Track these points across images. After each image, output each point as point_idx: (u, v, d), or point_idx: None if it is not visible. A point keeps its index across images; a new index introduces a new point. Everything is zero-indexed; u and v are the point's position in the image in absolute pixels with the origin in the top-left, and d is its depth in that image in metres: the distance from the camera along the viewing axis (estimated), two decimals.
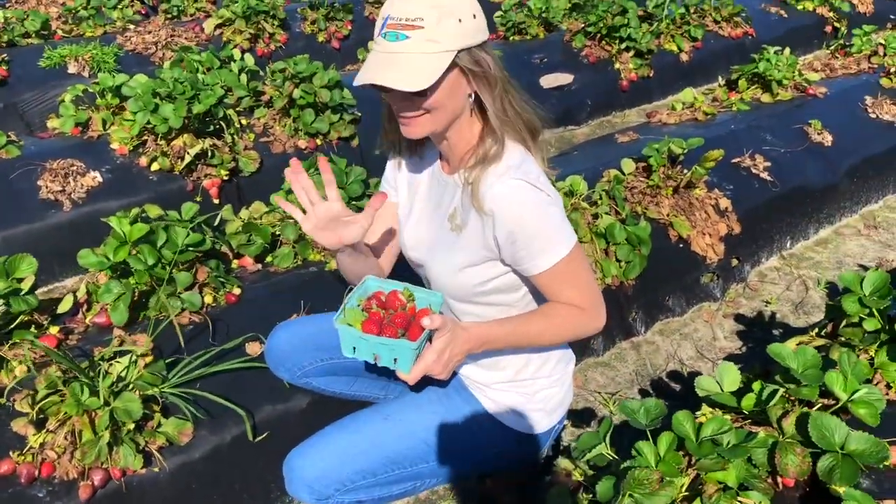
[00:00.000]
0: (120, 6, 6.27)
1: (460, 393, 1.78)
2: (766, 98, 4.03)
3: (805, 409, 1.63)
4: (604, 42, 5.35)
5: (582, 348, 2.77)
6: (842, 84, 4.22)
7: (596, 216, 2.76)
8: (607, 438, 1.64)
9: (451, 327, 1.45)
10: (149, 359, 2.07)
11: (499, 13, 5.83)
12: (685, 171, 3.05)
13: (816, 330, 2.13)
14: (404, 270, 1.87)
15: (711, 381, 1.76)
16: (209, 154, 3.58)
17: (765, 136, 3.60)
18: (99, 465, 1.88)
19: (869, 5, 6.82)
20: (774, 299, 3.15)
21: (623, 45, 5.27)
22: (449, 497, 2.21)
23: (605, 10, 5.28)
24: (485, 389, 1.75)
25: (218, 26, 5.53)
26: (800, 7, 6.45)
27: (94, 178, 3.44)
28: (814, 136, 3.66)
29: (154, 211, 2.49)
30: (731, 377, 1.74)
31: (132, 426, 1.92)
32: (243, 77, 3.99)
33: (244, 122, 3.88)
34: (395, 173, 1.80)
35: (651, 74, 5.39)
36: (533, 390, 1.74)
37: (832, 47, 4.96)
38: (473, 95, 1.49)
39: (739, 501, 1.43)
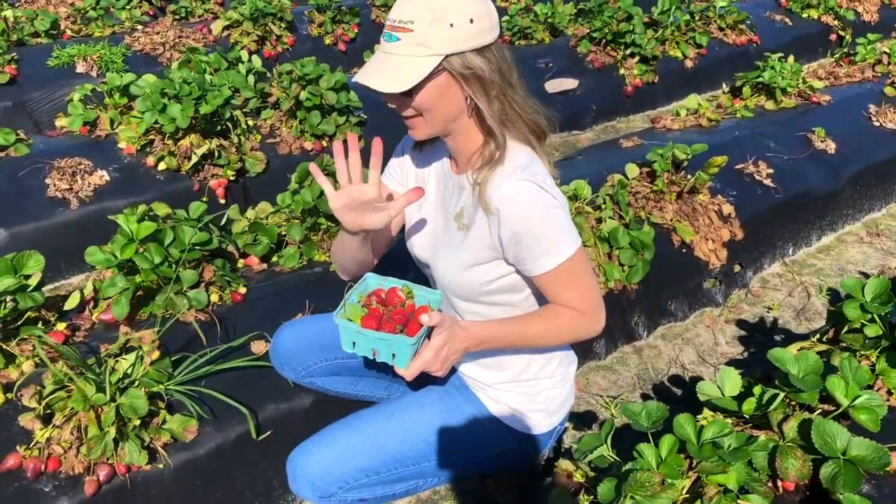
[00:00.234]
0: (128, 7, 6.31)
1: (462, 392, 1.79)
2: (769, 105, 4.04)
3: (806, 413, 1.65)
4: (609, 48, 5.37)
5: (584, 351, 2.78)
6: (846, 92, 4.23)
7: (599, 220, 2.78)
8: (609, 440, 1.65)
9: (449, 325, 1.46)
10: (155, 356, 2.08)
11: (505, 18, 5.86)
12: (689, 176, 3.07)
13: (818, 336, 2.15)
14: (407, 270, 1.88)
15: (713, 385, 1.78)
16: (216, 154, 3.60)
17: (768, 143, 3.61)
18: (104, 461, 1.90)
19: (874, 14, 6.83)
20: (776, 305, 3.16)
21: (628, 51, 5.29)
22: (450, 497, 2.22)
23: (611, 16, 5.30)
24: (487, 389, 1.77)
25: (225, 28, 5.56)
26: (804, 15, 6.46)
27: (102, 176, 3.47)
28: (817, 143, 3.67)
29: (162, 209, 2.51)
30: (733, 382, 1.76)
31: (137, 422, 1.93)
32: (250, 78, 4.01)
33: (251, 123, 3.90)
34: (402, 169, 1.81)
35: (656, 80, 5.40)
36: (535, 391, 1.75)
37: (836, 55, 4.98)
38: (469, 98, 1.50)
39: None
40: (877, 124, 3.98)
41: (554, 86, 5.06)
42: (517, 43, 5.72)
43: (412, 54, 1.42)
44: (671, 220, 2.96)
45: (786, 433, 1.59)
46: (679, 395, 2.68)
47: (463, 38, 1.41)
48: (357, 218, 1.57)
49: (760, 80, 4.11)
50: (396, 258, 1.93)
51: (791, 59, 4.19)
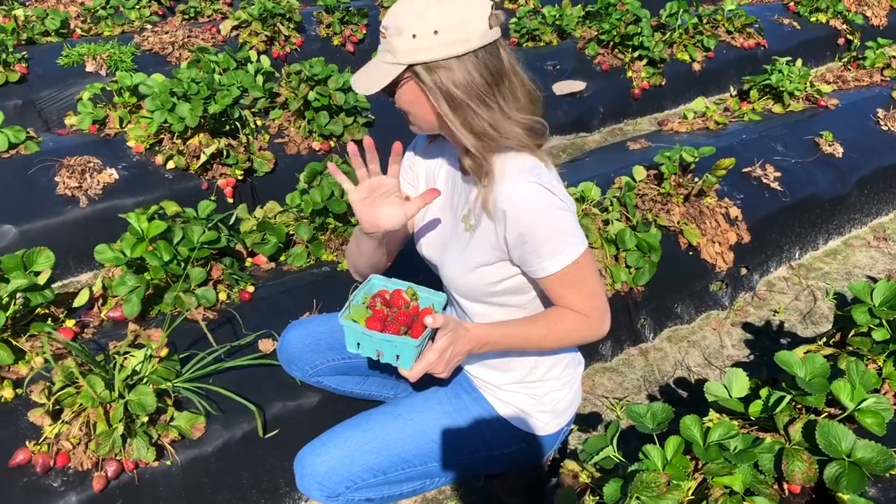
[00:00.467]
0: (138, 6, 6.34)
1: (470, 393, 1.80)
2: (777, 109, 4.04)
3: (812, 416, 1.65)
4: (617, 50, 5.37)
5: (590, 353, 2.79)
6: (854, 96, 4.23)
7: (607, 222, 2.78)
8: (615, 441, 1.66)
9: (453, 327, 1.48)
10: (163, 353, 2.09)
11: (513, 20, 5.86)
12: (696, 179, 3.07)
13: (824, 339, 2.15)
14: (416, 272, 1.89)
15: (720, 386, 1.78)
16: (224, 154, 3.62)
17: (776, 146, 3.61)
18: (112, 457, 1.91)
19: (882, 18, 6.81)
20: (782, 309, 3.16)
21: (636, 54, 5.29)
22: (456, 497, 2.23)
23: (619, 18, 5.30)
24: (494, 390, 1.77)
25: (234, 28, 5.58)
26: (813, 19, 6.45)
27: (111, 175, 3.48)
28: (825, 147, 3.67)
29: (171, 208, 2.52)
30: (740, 383, 1.76)
31: (146, 419, 1.94)
32: (259, 78, 4.03)
33: (259, 122, 3.92)
34: (413, 171, 1.82)
35: (663, 83, 5.40)
36: (542, 392, 1.76)
37: (845, 59, 4.97)
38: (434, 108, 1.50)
39: None
40: (885, 128, 3.98)
41: (562, 88, 5.06)
42: (525, 45, 5.73)
43: (382, 60, 1.46)
44: (678, 223, 2.96)
45: (792, 436, 1.59)
46: (685, 397, 2.69)
47: (425, 49, 1.40)
48: (375, 214, 1.59)
49: (768, 83, 4.10)
50: (407, 258, 1.94)
51: (799, 62, 4.18)
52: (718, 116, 3.89)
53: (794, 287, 3.33)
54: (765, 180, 3.36)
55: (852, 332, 2.03)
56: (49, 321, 2.24)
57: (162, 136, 3.61)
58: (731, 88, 4.50)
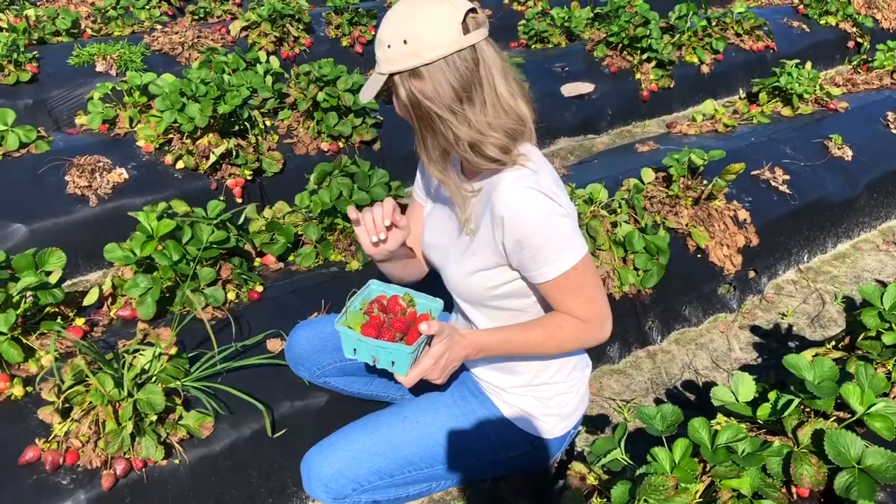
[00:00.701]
0: (148, 7, 6.36)
1: (477, 396, 1.80)
2: (786, 112, 4.03)
3: (821, 420, 1.65)
4: (625, 52, 5.36)
5: (598, 355, 2.78)
6: (863, 99, 4.22)
7: (615, 224, 2.78)
8: (622, 444, 1.66)
9: (448, 333, 1.48)
10: (172, 352, 2.10)
11: (522, 22, 5.87)
12: (705, 181, 3.07)
13: (833, 343, 2.14)
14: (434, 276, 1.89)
15: (726, 391, 1.78)
16: (233, 154, 3.63)
17: (785, 149, 3.60)
18: (121, 455, 1.92)
19: (892, 21, 6.79)
20: (791, 312, 3.15)
21: (644, 56, 5.28)
22: (462, 499, 2.23)
23: (628, 20, 5.30)
24: (501, 393, 1.77)
25: (244, 28, 5.59)
26: (822, 22, 6.43)
27: (120, 174, 3.50)
28: (834, 150, 3.66)
29: (180, 207, 2.53)
30: (747, 387, 1.76)
31: (154, 418, 1.95)
32: (268, 79, 4.04)
33: (268, 123, 3.93)
34: (424, 175, 1.84)
35: (672, 85, 5.40)
36: (548, 395, 1.76)
37: (854, 62, 4.96)
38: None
39: None
40: (894, 132, 3.96)
41: (570, 89, 5.06)
42: (533, 47, 5.73)
43: (375, 71, 1.50)
44: (686, 225, 2.96)
45: (800, 439, 1.59)
46: (692, 400, 2.68)
47: (397, 58, 1.42)
48: (381, 250, 1.66)
49: (777, 85, 4.10)
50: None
51: (808, 65, 4.17)
52: (727, 119, 3.89)
53: (802, 290, 3.32)
54: (773, 183, 3.35)
55: (862, 336, 2.02)
56: (59, 319, 2.26)
57: (171, 135, 3.62)
58: (740, 91, 4.50)
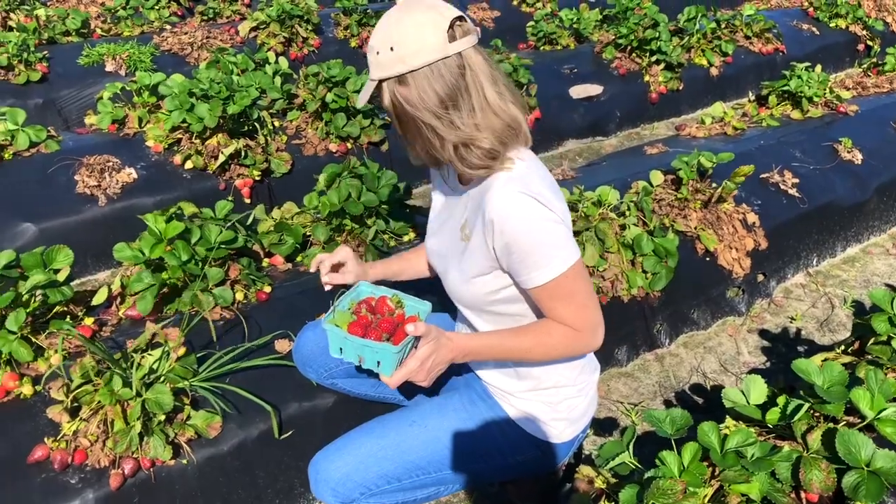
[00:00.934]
0: (157, 7, 6.38)
1: (485, 400, 1.79)
2: (796, 115, 4.02)
3: (830, 425, 1.64)
4: (634, 54, 5.36)
5: (606, 358, 2.78)
6: (873, 102, 4.20)
7: (624, 227, 2.77)
8: (631, 447, 1.66)
9: (435, 336, 1.49)
10: (181, 352, 2.11)
11: (530, 23, 5.87)
12: (714, 184, 3.06)
13: (843, 347, 2.13)
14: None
15: (738, 392, 1.77)
16: (242, 154, 3.64)
17: (794, 152, 3.59)
18: (129, 455, 1.92)
19: None
20: (799, 316, 3.14)
21: (653, 58, 5.28)
22: (470, 501, 2.23)
23: (637, 22, 5.29)
24: (509, 398, 1.76)
25: (252, 29, 5.61)
26: (832, 25, 6.41)
27: (129, 174, 3.51)
28: (844, 153, 3.65)
29: (189, 208, 2.54)
30: (758, 390, 1.75)
31: (163, 418, 1.96)
32: (277, 79, 4.05)
33: (277, 123, 3.93)
34: (435, 180, 1.85)
35: (681, 88, 5.39)
36: (557, 400, 1.75)
37: (864, 65, 4.94)
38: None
39: None
40: None
41: (578, 91, 5.05)
42: (542, 48, 5.72)
43: (369, 77, 1.53)
44: (695, 228, 2.95)
45: (810, 444, 1.58)
46: (700, 403, 2.67)
47: (386, 65, 1.45)
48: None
49: (787, 88, 4.08)
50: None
51: (818, 68, 4.16)
52: (736, 122, 3.88)
53: (811, 294, 3.31)
54: (783, 186, 3.34)
55: (871, 341, 2.01)
56: (68, 319, 2.26)
57: (180, 135, 3.63)
58: (750, 94, 4.49)
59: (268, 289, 2.46)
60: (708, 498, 1.50)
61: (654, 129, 5.30)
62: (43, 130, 3.53)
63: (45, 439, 1.91)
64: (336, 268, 1.87)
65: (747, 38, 5.86)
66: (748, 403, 1.74)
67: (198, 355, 2.15)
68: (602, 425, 2.54)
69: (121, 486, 1.89)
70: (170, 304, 2.37)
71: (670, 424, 1.61)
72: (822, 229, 3.47)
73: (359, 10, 5.98)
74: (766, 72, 5.73)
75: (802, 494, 1.53)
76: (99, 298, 2.35)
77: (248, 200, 3.65)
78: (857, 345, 2.10)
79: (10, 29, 5.51)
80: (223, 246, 2.39)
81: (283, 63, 4.26)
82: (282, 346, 2.26)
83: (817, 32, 6.29)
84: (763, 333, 3.04)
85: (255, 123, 3.75)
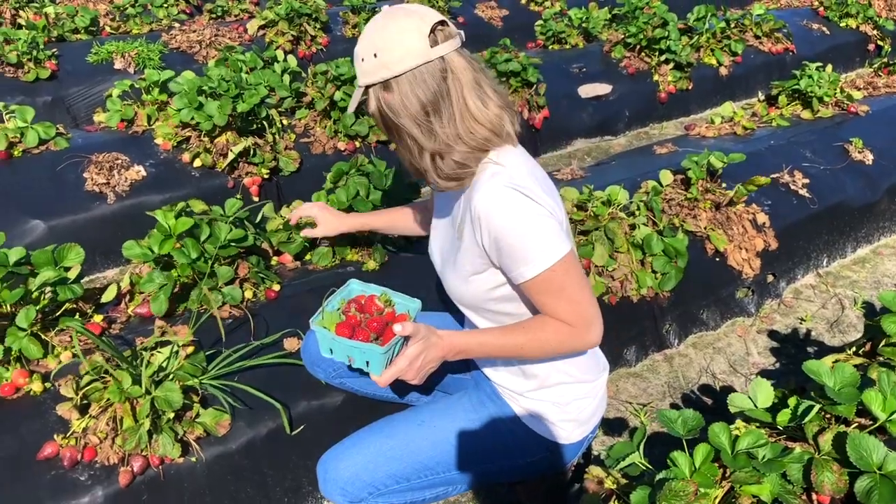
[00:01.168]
0: (166, 5, 6.39)
1: (494, 401, 1.79)
2: (806, 115, 4.00)
3: (842, 426, 1.63)
4: (643, 53, 5.34)
5: (615, 359, 2.77)
6: (885, 103, 4.18)
7: (633, 227, 2.76)
8: (641, 448, 1.65)
9: (424, 334, 1.49)
10: (190, 350, 2.11)
11: (539, 22, 5.86)
12: (723, 185, 3.05)
13: (854, 348, 2.12)
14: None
15: (744, 397, 1.76)
16: (251, 152, 3.64)
17: (804, 152, 3.57)
18: (139, 452, 1.92)
19: None
20: (809, 317, 3.12)
21: (662, 58, 5.26)
22: (478, 501, 2.23)
23: (646, 21, 5.28)
24: (518, 398, 1.76)
25: (261, 27, 5.61)
26: (842, 24, 6.38)
27: (138, 171, 3.51)
28: (854, 154, 3.63)
29: (198, 206, 2.54)
30: (765, 393, 1.74)
31: (172, 415, 1.96)
32: (286, 78, 4.05)
33: (285, 122, 3.93)
34: None
35: (690, 87, 5.37)
36: (566, 400, 1.74)
37: (875, 65, 4.91)
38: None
39: None
40: None
41: (587, 91, 5.04)
42: (551, 47, 5.71)
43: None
44: (705, 228, 2.94)
45: (821, 446, 1.57)
46: (709, 404, 2.66)
47: (370, 71, 1.48)
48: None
49: (797, 88, 4.07)
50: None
51: (829, 68, 4.14)
52: (746, 122, 3.86)
53: (821, 295, 3.29)
54: (793, 187, 3.33)
55: (883, 343, 2.00)
56: (77, 316, 2.27)
57: (189, 133, 3.64)
58: (759, 93, 4.47)
59: (276, 287, 2.46)
60: (719, 499, 1.49)
61: (662, 129, 5.28)
62: (52, 128, 3.54)
63: (55, 436, 1.91)
64: (312, 225, 2.23)
65: (757, 37, 5.84)
66: (755, 408, 1.72)
67: (207, 353, 2.15)
68: (611, 426, 2.53)
69: (130, 483, 1.89)
70: (179, 302, 2.37)
71: (682, 425, 1.60)
72: (833, 230, 3.46)
73: (367, 8, 5.98)
74: (775, 71, 5.71)
75: (814, 496, 1.52)
76: (108, 296, 2.35)
77: (256, 198, 3.66)
78: (868, 346, 2.09)
79: (20, 26, 5.52)
80: (233, 244, 2.39)
81: (292, 61, 4.26)
82: (290, 344, 2.26)
83: (827, 32, 6.27)
84: (773, 334, 3.03)
85: (264, 122, 3.75)
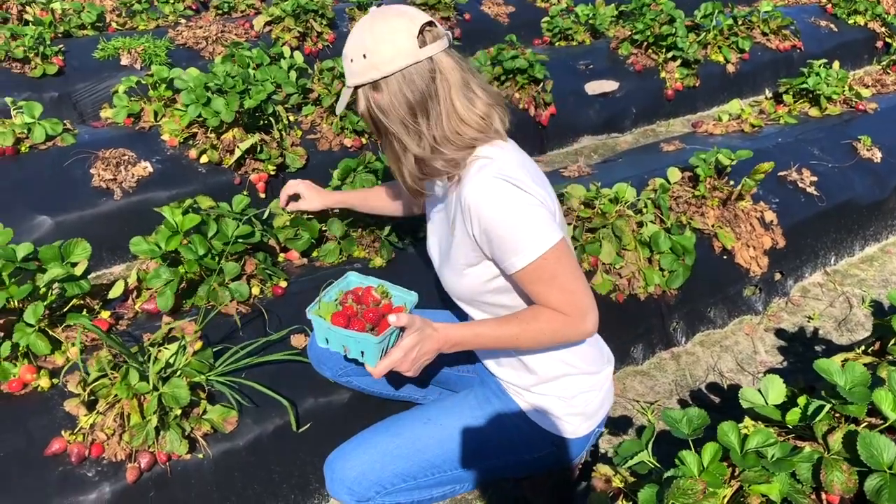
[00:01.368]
0: (172, 1, 6.39)
1: (499, 397, 1.79)
2: (814, 112, 3.98)
3: (852, 426, 1.62)
4: (650, 50, 5.33)
5: (621, 356, 2.76)
6: (893, 100, 4.16)
7: (641, 224, 2.75)
8: (649, 446, 1.64)
9: (420, 326, 1.49)
10: (197, 346, 2.11)
11: (546, 19, 5.85)
12: (731, 182, 3.03)
13: (863, 347, 2.11)
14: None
15: (755, 392, 1.75)
16: (257, 149, 3.64)
17: (812, 150, 3.56)
18: (146, 449, 1.92)
19: None
20: (817, 315, 3.11)
21: (669, 55, 5.24)
22: (485, 498, 2.22)
23: (653, 18, 5.26)
24: (523, 393, 1.76)
25: (267, 23, 5.61)
26: (850, 21, 6.35)
27: (145, 168, 3.52)
28: (863, 151, 3.61)
29: (205, 202, 2.54)
30: (777, 390, 1.73)
31: (179, 412, 1.96)
32: (292, 74, 4.04)
33: (292, 118, 3.93)
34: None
35: (697, 84, 5.35)
36: (571, 394, 1.74)
37: (884, 63, 4.89)
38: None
39: None
40: None
41: (594, 88, 5.03)
42: (557, 44, 5.70)
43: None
44: (713, 226, 2.93)
45: (831, 445, 1.56)
46: (717, 402, 2.66)
47: (359, 72, 1.50)
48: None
49: (805, 86, 4.05)
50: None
51: (836, 65, 4.12)
52: (753, 119, 3.85)
53: (829, 293, 3.28)
54: (801, 184, 3.31)
55: (892, 342, 1.99)
56: (85, 312, 2.27)
57: (196, 130, 3.64)
58: (767, 91, 4.45)
59: (283, 283, 2.45)
60: (728, 498, 1.49)
61: (669, 126, 5.27)
62: (59, 124, 3.54)
63: (63, 432, 1.91)
64: (297, 198, 2.35)
65: (764, 34, 5.81)
66: (766, 404, 1.72)
67: (214, 349, 2.15)
68: (618, 424, 2.53)
69: (137, 479, 1.89)
70: (186, 298, 2.37)
71: (687, 424, 1.59)
72: (841, 228, 3.44)
73: (373, 4, 5.97)
74: (783, 69, 5.69)
75: (823, 496, 1.51)
76: (115, 292, 2.35)
77: (263, 195, 3.66)
78: (877, 345, 2.08)
79: (27, 22, 5.53)
80: (240, 240, 2.39)
81: (298, 57, 4.26)
82: (297, 341, 2.26)
83: (835, 29, 6.24)
84: (780, 332, 3.02)
85: (271, 118, 3.75)
